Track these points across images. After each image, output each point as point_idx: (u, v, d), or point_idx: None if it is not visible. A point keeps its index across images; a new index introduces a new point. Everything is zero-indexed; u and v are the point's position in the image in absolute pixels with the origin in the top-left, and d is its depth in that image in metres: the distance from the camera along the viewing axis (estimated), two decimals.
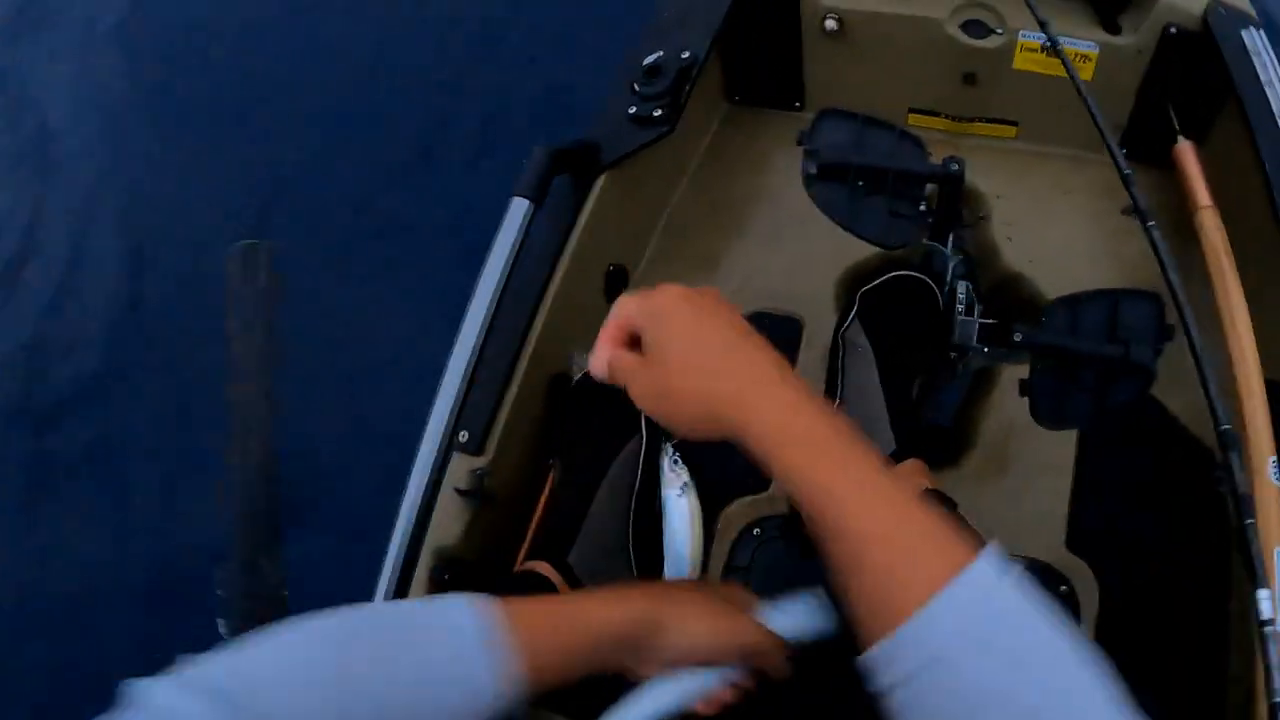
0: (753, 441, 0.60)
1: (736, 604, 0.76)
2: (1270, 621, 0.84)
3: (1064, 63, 1.14)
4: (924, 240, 1.21)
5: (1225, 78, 1.24)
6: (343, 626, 0.61)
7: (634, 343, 0.68)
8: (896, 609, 0.53)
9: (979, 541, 0.55)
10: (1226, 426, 0.95)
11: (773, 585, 1.14)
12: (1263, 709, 0.83)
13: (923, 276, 1.18)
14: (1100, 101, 1.30)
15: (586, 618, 0.69)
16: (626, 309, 0.67)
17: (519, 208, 1.18)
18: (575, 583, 1.00)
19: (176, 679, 0.54)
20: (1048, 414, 1.03)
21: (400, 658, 0.60)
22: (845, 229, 1.07)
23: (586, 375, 1.20)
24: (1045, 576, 1.13)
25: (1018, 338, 1.03)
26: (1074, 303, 1.04)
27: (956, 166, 1.03)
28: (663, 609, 0.71)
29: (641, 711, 0.73)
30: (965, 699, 0.51)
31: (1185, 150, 1.27)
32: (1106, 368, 1.01)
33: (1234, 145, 1.25)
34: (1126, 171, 1.07)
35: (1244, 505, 0.92)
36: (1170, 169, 1.29)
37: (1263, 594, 0.86)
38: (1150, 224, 1.06)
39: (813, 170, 1.07)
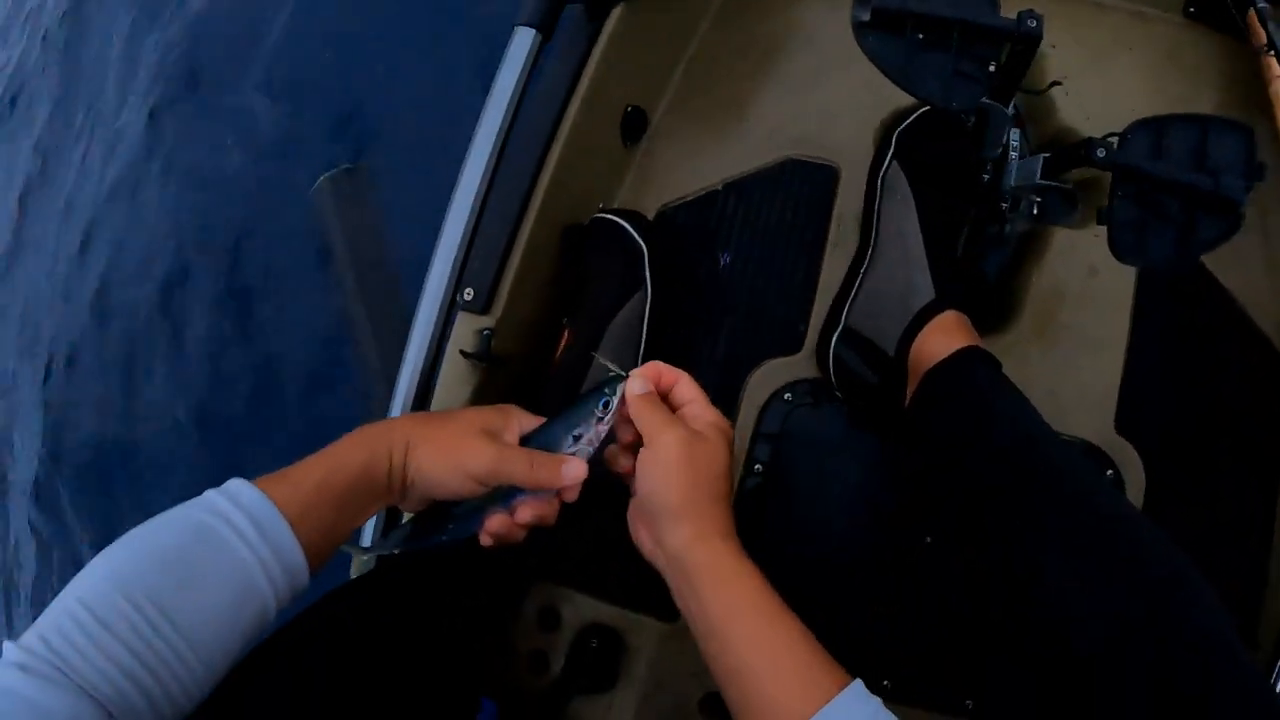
0: (669, 571, 0.74)
1: (476, 428, 0.80)
2: None
3: None
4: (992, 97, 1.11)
5: None
6: (129, 564, 0.62)
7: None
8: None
9: (845, 677, 0.64)
10: None
11: (807, 453, 1.13)
12: None
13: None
14: None
15: (344, 472, 0.73)
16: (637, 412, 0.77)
17: (524, 38, 1.06)
18: None
19: (22, 668, 0.55)
20: (1128, 247, 0.96)
21: (189, 583, 0.62)
22: (899, 85, 0.96)
23: (594, 220, 1.12)
24: (1092, 458, 1.09)
25: (1100, 154, 0.95)
26: (1159, 125, 0.96)
27: (1034, 24, 0.91)
28: (396, 445, 0.77)
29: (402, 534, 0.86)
30: None
31: (1262, 13, 1.15)
32: (1193, 200, 0.94)
33: None
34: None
35: None
36: (1242, 39, 1.17)
37: None
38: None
39: (865, 17, 0.95)
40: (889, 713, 0.62)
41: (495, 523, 0.80)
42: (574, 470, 0.78)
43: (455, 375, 1.05)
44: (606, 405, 0.79)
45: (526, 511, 0.80)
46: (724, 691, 0.68)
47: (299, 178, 2.01)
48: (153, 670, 0.58)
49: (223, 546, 0.64)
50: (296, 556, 0.68)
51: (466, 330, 1.05)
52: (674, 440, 0.73)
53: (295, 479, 0.71)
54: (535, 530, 0.84)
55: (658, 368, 0.79)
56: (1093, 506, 0.75)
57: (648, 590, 1.10)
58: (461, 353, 1.04)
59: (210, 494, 0.68)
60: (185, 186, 2.44)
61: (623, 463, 0.81)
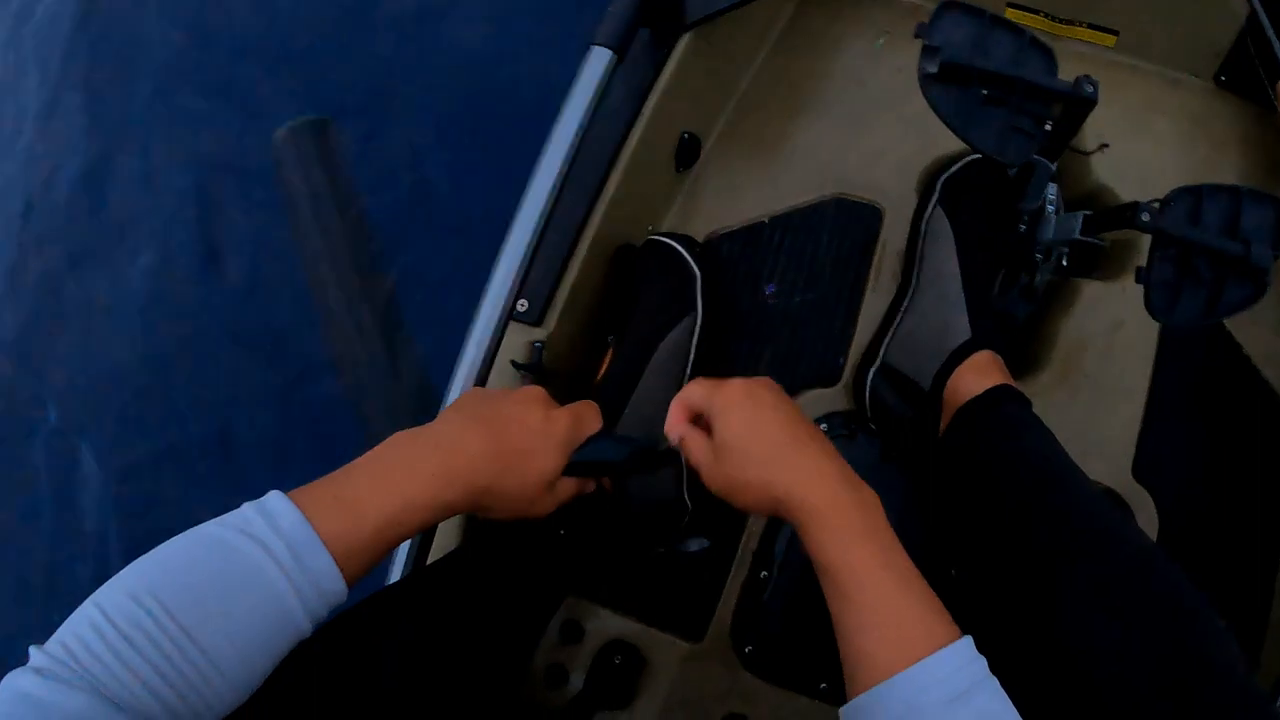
0: (799, 518, 0.73)
1: (543, 472, 0.84)
2: None
3: None
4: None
5: None
6: (153, 582, 0.59)
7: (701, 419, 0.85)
8: (882, 668, 0.64)
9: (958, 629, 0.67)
10: None
11: None
12: None
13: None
14: (1210, 19, 1.23)
15: (385, 510, 0.70)
16: (695, 395, 0.84)
17: (600, 58, 1.10)
18: None
19: (38, 671, 0.54)
20: (1161, 305, 1.01)
21: (213, 603, 0.60)
22: (957, 134, 1.01)
23: (648, 241, 1.16)
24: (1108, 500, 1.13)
25: (1145, 218, 1.00)
26: (1197, 194, 1.01)
27: (1091, 89, 0.96)
28: (467, 494, 0.77)
29: None
30: None
31: None
32: (1224, 265, 0.99)
33: None
34: None
35: None
36: (1270, 108, 1.23)
37: None
38: None
39: (933, 70, 0.99)
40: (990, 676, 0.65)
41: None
42: (589, 487, 0.93)
43: (504, 385, 1.07)
44: None
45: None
46: (843, 636, 0.70)
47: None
48: (174, 685, 0.56)
49: (257, 575, 0.62)
50: (336, 585, 0.66)
51: (518, 341, 1.08)
52: (739, 390, 0.81)
53: (349, 510, 0.68)
54: (574, 553, 0.93)
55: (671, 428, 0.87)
56: (1119, 542, 0.79)
57: (673, 609, 1.13)
58: (513, 363, 1.06)
59: (248, 511, 0.65)
60: None
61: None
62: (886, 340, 1.14)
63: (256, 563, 0.62)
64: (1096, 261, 1.26)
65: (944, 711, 0.61)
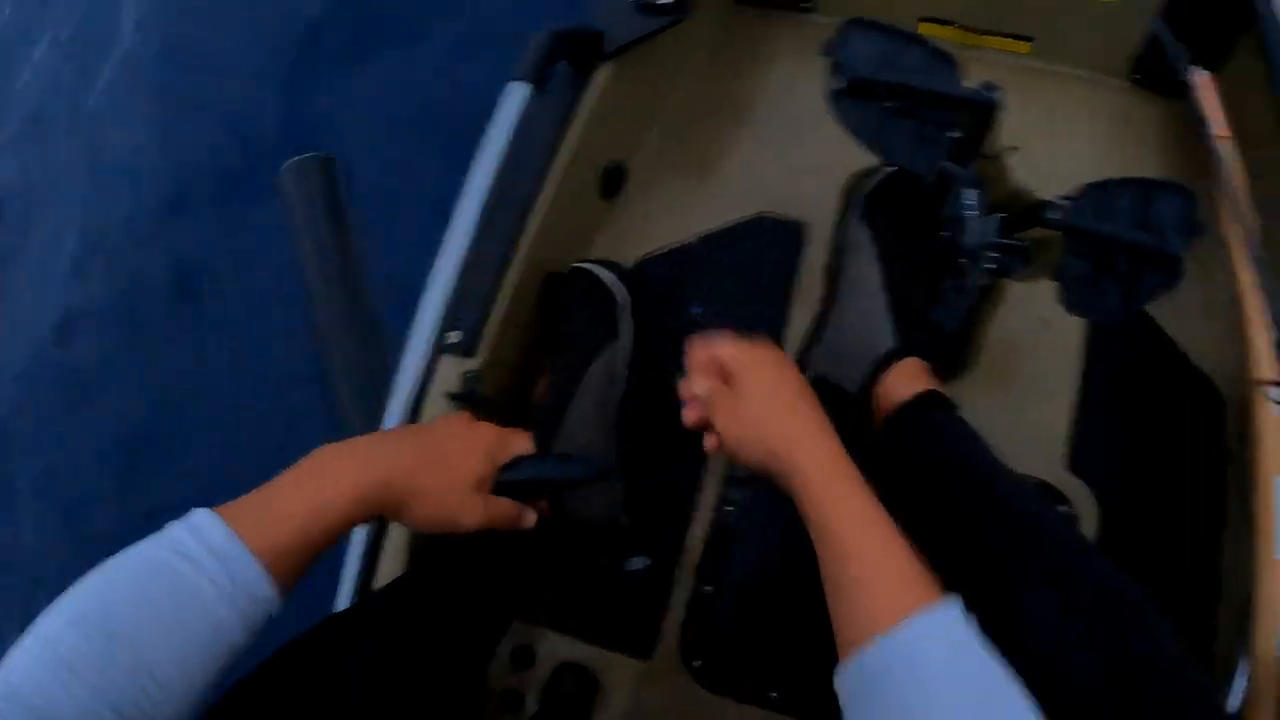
0: (793, 478, 0.78)
1: (469, 475, 0.85)
2: None
3: None
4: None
5: (1246, 7, 1.21)
6: (91, 606, 0.61)
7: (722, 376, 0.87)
8: (882, 621, 0.64)
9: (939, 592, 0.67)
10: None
11: (775, 493, 1.18)
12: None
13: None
14: (1120, 21, 1.26)
15: (315, 509, 0.72)
16: (727, 350, 0.87)
17: (518, 92, 1.10)
18: None
19: None
20: (1077, 300, 1.03)
21: (149, 623, 0.61)
22: (869, 148, 1.03)
23: (574, 269, 1.17)
24: (1045, 494, 1.15)
25: (1052, 215, 1.02)
26: (1106, 188, 1.03)
27: (993, 94, 0.99)
28: (391, 493, 0.78)
29: None
30: (908, 709, 0.60)
31: (1204, 80, 1.25)
32: (1138, 256, 1.01)
33: (1249, 78, 1.22)
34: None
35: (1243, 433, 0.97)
36: (1179, 100, 1.27)
37: None
38: (1208, 130, 1.08)
39: (840, 86, 1.02)
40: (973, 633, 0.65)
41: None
42: (531, 520, 0.91)
43: (438, 416, 1.07)
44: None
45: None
46: (837, 597, 0.71)
47: None
48: (120, 711, 0.57)
49: (193, 594, 0.63)
50: (268, 591, 0.67)
51: (451, 373, 1.08)
52: (769, 352, 0.87)
53: (273, 515, 0.70)
54: (517, 574, 0.94)
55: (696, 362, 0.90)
56: (1063, 538, 0.81)
57: (622, 628, 1.13)
58: (447, 395, 1.07)
59: (176, 529, 0.66)
60: None
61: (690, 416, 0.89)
62: (812, 350, 1.15)
63: (192, 582, 0.63)
64: (1021, 263, 1.28)
65: (948, 660, 0.62)
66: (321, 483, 0.74)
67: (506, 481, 0.89)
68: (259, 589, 0.66)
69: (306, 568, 0.73)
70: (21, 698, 0.55)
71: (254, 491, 0.72)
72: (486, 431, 0.90)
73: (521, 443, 0.92)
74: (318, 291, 1.71)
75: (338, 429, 1.59)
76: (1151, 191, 1.04)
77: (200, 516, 0.67)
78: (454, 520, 0.83)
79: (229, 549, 0.65)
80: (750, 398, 0.83)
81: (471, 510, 0.84)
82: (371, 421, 1.09)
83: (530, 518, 0.91)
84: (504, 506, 0.88)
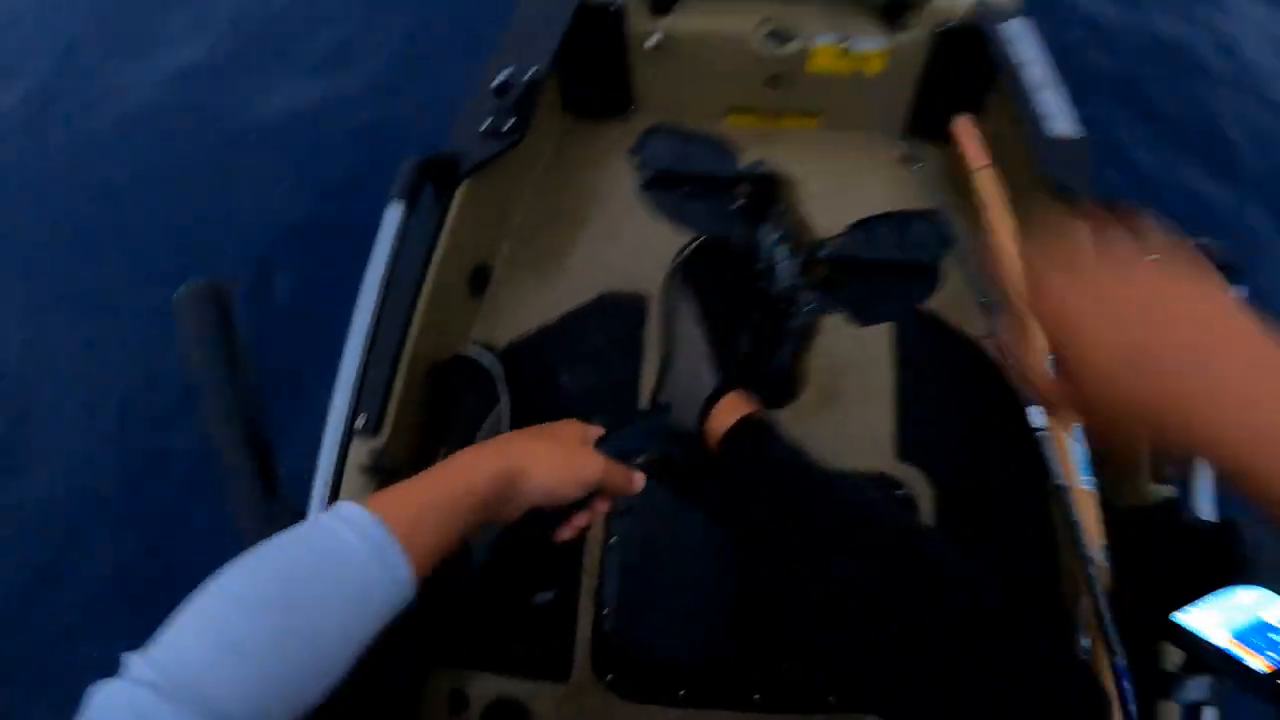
0: (1226, 459, 0.46)
1: (578, 440, 0.86)
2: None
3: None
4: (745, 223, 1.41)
5: (992, 61, 1.49)
6: (255, 584, 0.61)
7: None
8: None
9: None
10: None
11: (653, 521, 1.31)
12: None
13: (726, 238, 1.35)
14: (888, 89, 1.52)
15: (452, 491, 0.73)
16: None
17: (395, 211, 1.31)
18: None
19: (132, 679, 0.53)
20: (862, 314, 1.24)
21: (315, 598, 0.61)
22: (675, 224, 1.27)
23: (455, 357, 1.36)
24: (883, 483, 1.34)
25: (824, 253, 1.25)
26: (869, 224, 1.26)
27: (761, 167, 1.25)
28: (515, 463, 0.77)
29: None
30: None
31: (964, 122, 1.52)
32: (903, 271, 1.22)
33: (1002, 116, 1.50)
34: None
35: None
36: (947, 143, 1.55)
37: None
38: (919, 165, 1.29)
39: (644, 180, 1.28)
40: None
41: (583, 519, 0.88)
42: (640, 481, 0.90)
43: (356, 487, 1.24)
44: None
45: (603, 506, 0.89)
46: None
47: None
48: (281, 690, 0.57)
49: (348, 570, 0.63)
50: (406, 572, 0.67)
51: (362, 450, 1.25)
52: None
53: (415, 504, 0.70)
54: (434, 618, 1.03)
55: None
56: (867, 525, 0.98)
57: (539, 657, 1.28)
58: (360, 467, 1.24)
59: (324, 517, 0.66)
60: None
61: None
62: (656, 400, 1.37)
63: (346, 559, 0.64)
64: (832, 299, 1.52)
65: None
66: (457, 470, 0.75)
67: (610, 447, 0.91)
68: (401, 572, 0.66)
69: (435, 561, 0.72)
70: (185, 681, 0.53)
71: (399, 484, 0.74)
72: (573, 421, 0.92)
73: (597, 430, 0.96)
74: (212, 418, 1.85)
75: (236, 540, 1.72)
76: (906, 220, 1.31)
77: (347, 507, 0.67)
78: (576, 474, 0.82)
79: (376, 533, 0.66)
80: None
81: (589, 461, 0.83)
82: (264, 531, 1.19)
83: (640, 480, 0.89)
84: (616, 466, 0.87)
